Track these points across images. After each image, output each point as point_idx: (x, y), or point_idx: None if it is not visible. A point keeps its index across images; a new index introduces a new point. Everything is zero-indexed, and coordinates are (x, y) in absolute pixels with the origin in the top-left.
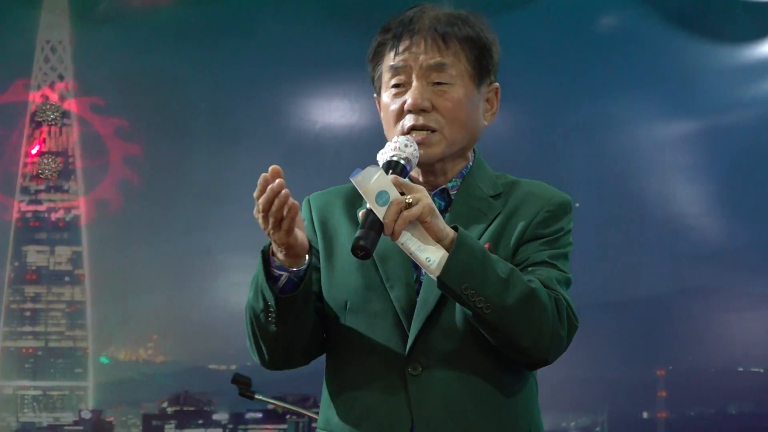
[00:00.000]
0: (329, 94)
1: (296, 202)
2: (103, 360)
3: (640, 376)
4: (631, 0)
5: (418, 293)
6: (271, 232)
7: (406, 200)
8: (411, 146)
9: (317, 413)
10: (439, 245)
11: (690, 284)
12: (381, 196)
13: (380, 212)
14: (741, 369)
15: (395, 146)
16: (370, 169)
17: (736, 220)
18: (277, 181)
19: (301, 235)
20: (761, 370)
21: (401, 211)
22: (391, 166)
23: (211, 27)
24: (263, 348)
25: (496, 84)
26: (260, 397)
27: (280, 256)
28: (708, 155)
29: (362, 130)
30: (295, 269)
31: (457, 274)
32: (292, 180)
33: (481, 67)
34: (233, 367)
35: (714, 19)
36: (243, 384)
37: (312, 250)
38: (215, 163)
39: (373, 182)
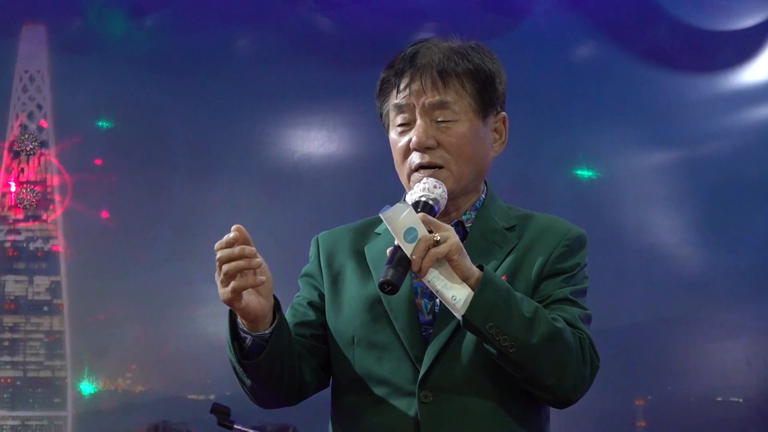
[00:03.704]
0: (308, 124)
1: (263, 268)
2: (84, 392)
3: (619, 406)
4: (607, 31)
5: (423, 324)
6: (220, 285)
7: (435, 238)
8: (440, 188)
9: None
10: (464, 284)
11: (668, 314)
12: (409, 233)
13: (408, 249)
14: (720, 399)
15: (424, 187)
16: (399, 205)
17: (714, 249)
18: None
19: (254, 303)
20: (740, 400)
21: (429, 249)
22: (419, 206)
23: (189, 57)
24: (246, 392)
25: (503, 113)
26: (239, 427)
27: (240, 318)
28: (686, 185)
29: (341, 159)
30: (257, 333)
31: (482, 313)
32: (271, 209)
33: (484, 100)
34: (212, 396)
35: (691, 48)
36: (222, 414)
37: (279, 307)
38: (193, 192)
39: (402, 218)
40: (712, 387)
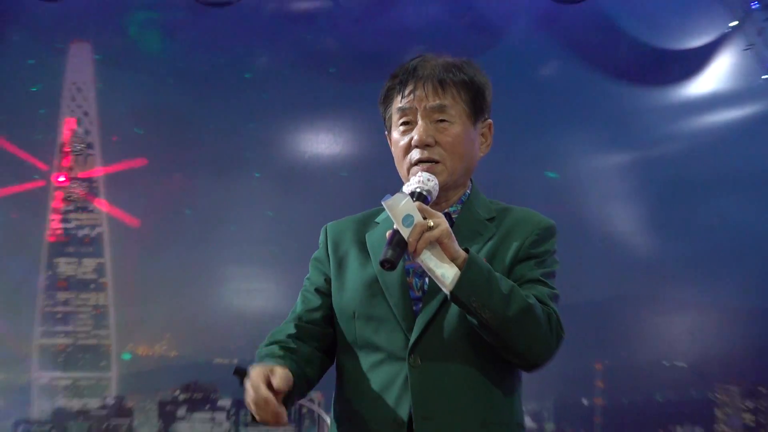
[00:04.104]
0: (316, 129)
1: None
2: (126, 356)
3: (581, 369)
4: (574, 50)
5: (414, 299)
6: (247, 404)
7: (428, 224)
8: (432, 181)
9: (310, 400)
10: (452, 264)
11: (624, 292)
12: (407, 219)
13: (405, 232)
14: (666, 363)
15: (419, 179)
16: (398, 195)
17: (663, 237)
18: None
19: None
20: (684, 365)
21: (423, 233)
22: (415, 196)
23: (215, 71)
24: None
25: (490, 120)
26: None
27: None
28: (639, 183)
29: (344, 158)
30: None
31: (467, 289)
32: (285, 201)
33: (476, 107)
34: (235, 360)
35: (646, 65)
36: (243, 375)
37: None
38: (219, 187)
39: (401, 206)
40: (660, 353)
